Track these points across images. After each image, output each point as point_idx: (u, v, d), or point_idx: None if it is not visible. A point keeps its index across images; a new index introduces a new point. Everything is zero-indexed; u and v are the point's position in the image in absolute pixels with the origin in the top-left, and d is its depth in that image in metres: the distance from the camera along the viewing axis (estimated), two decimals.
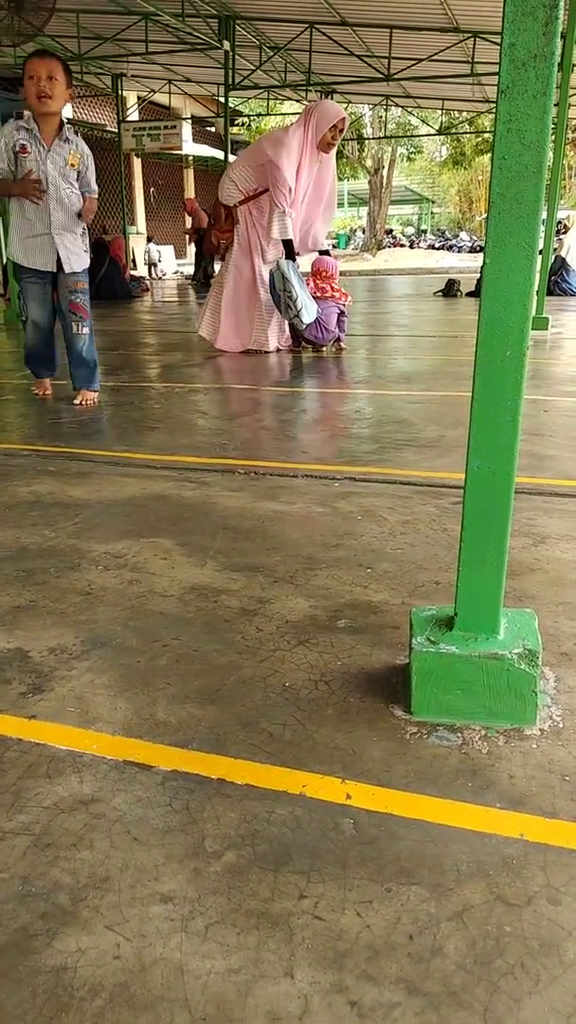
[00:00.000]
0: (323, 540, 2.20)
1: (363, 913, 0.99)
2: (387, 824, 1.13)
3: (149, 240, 17.65)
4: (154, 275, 17.21)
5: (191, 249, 16.70)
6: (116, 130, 15.51)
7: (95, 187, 4.07)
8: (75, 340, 4.11)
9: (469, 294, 11.50)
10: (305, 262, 5.94)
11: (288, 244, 5.60)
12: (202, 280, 14.53)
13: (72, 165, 3.92)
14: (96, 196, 4.06)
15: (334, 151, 5.65)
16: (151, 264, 17.43)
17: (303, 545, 2.17)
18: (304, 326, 5.68)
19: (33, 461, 3.07)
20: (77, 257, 4.03)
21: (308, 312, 5.61)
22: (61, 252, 3.94)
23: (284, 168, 5.39)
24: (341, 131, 5.55)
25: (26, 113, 3.90)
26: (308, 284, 5.78)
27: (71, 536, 2.26)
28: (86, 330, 4.10)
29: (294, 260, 5.62)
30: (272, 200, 5.52)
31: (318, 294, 5.76)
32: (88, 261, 4.10)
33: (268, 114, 20.62)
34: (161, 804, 1.18)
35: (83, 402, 4.14)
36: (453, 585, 1.38)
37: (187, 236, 15.56)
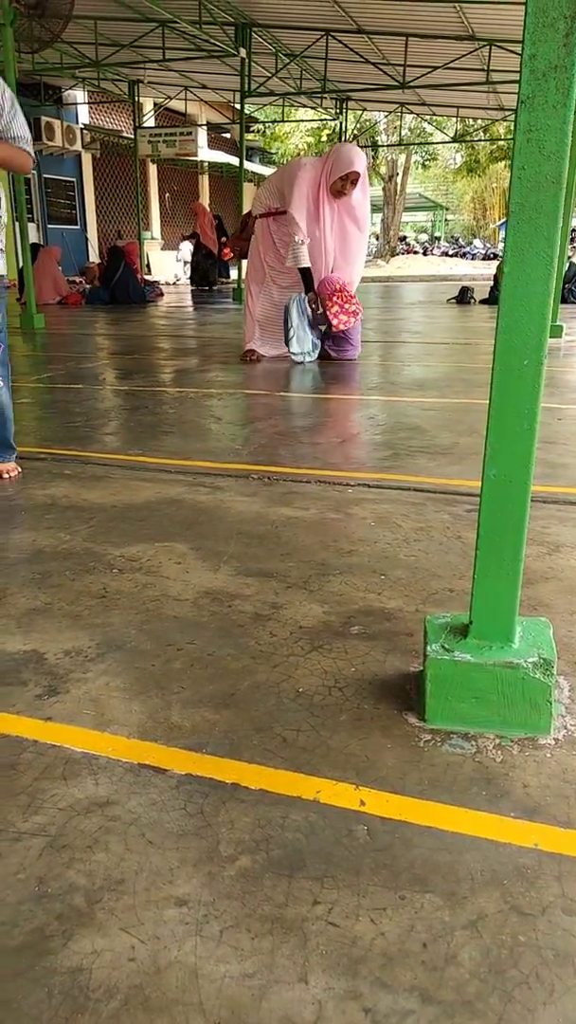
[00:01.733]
0: (337, 546, 2.20)
1: (377, 920, 0.99)
2: (401, 831, 1.14)
3: (184, 238, 17.54)
4: (176, 278, 17.21)
5: (184, 249, 16.81)
6: (132, 136, 15.61)
7: (23, 132, 2.62)
8: None
9: (482, 301, 11.49)
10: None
11: (306, 273, 5.58)
12: (201, 284, 14.60)
13: None
14: (29, 149, 2.67)
15: (349, 198, 5.48)
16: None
17: (316, 551, 2.17)
18: (297, 355, 5.77)
19: (49, 464, 3.09)
20: None
21: (300, 343, 5.71)
22: None
23: (293, 203, 5.37)
24: (354, 182, 5.37)
25: None
26: (332, 308, 5.73)
27: (86, 539, 2.28)
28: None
29: (311, 291, 5.63)
30: (289, 230, 5.53)
31: (351, 321, 5.73)
32: (2, 266, 2.77)
33: (283, 120, 20.70)
34: (176, 808, 1.19)
35: (8, 475, 2.90)
36: (468, 593, 1.38)
37: (181, 236, 15.65)
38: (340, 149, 5.55)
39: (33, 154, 2.62)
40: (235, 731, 1.37)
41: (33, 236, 14.64)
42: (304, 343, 5.73)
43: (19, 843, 1.12)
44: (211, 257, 14.62)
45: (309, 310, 5.71)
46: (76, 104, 16.16)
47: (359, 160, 5.40)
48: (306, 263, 5.54)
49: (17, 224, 8.10)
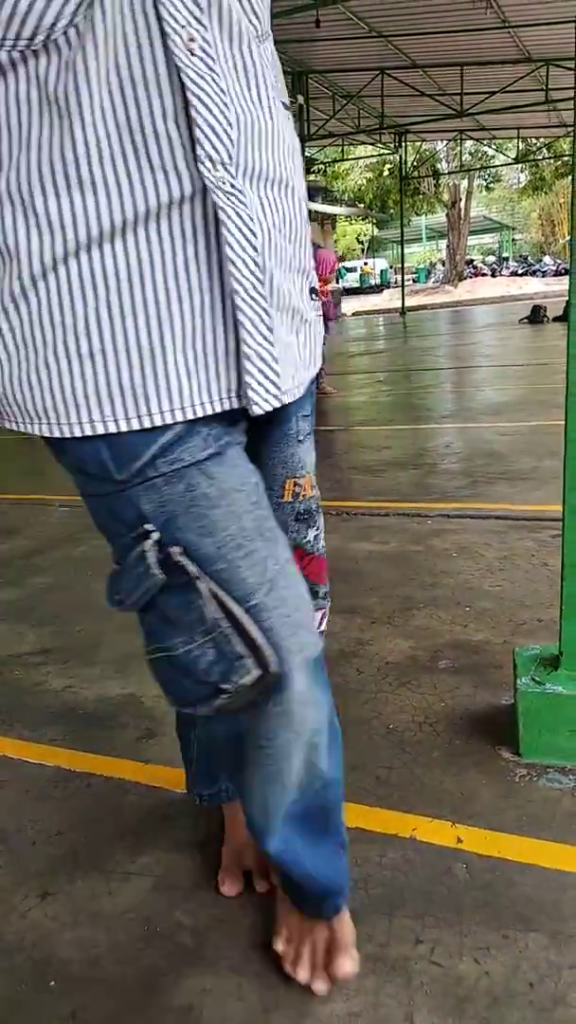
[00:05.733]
0: (419, 579, 2.21)
1: (481, 959, 0.98)
2: (501, 869, 1.13)
3: None
4: None
5: None
6: None
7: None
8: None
9: (556, 319, 11.29)
10: None
11: None
12: None
13: None
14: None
15: None
16: None
17: (399, 585, 2.18)
18: None
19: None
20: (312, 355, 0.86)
21: None
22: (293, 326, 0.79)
23: None
24: None
25: None
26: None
27: None
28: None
29: None
30: None
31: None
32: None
33: (343, 159, 21.07)
34: None
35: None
36: (556, 622, 1.37)
37: None
38: None
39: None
40: None
41: None
42: None
43: (128, 884, 1.17)
44: None
45: None
46: None
47: None
48: None
49: None
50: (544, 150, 20.40)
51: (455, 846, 1.18)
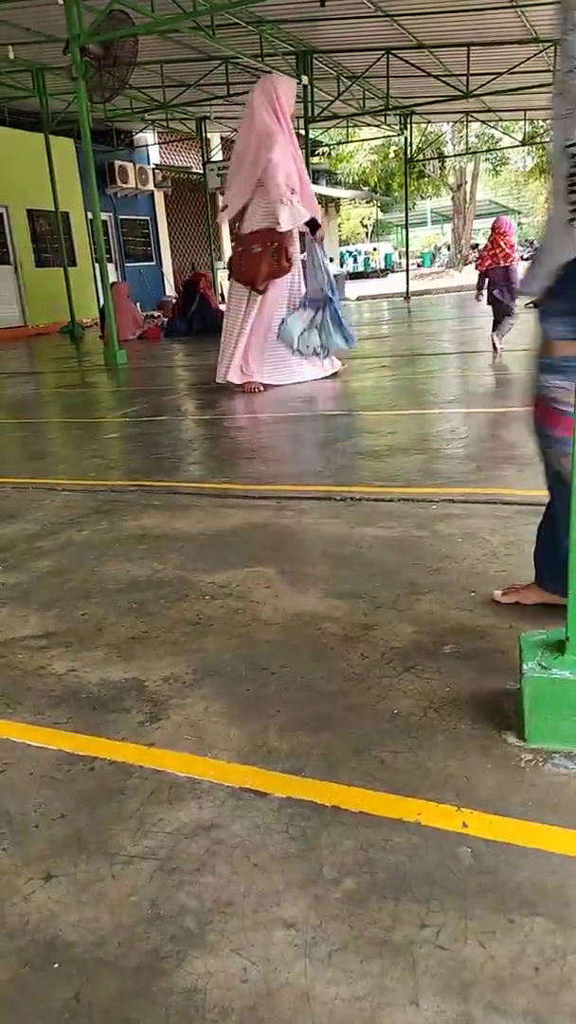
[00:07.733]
0: (424, 564, 2.20)
1: (486, 943, 0.98)
2: (506, 853, 1.12)
3: None
4: None
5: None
6: (201, 171, 16.06)
7: None
8: None
9: None
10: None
11: (312, 224, 5.50)
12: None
13: None
14: None
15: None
16: None
17: (404, 570, 2.17)
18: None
19: (138, 496, 3.20)
20: None
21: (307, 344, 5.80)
22: None
23: (277, 157, 5.28)
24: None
25: None
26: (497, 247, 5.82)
27: (178, 567, 2.34)
28: None
29: (315, 235, 5.57)
30: (270, 194, 5.35)
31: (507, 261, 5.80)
32: None
33: (347, 141, 20.87)
34: (278, 831, 1.21)
35: None
36: (562, 608, 1.36)
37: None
38: (276, 83, 5.60)
39: None
40: (332, 753, 1.38)
41: (112, 275, 15.21)
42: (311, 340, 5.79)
43: (131, 866, 1.17)
44: None
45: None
46: (147, 146, 16.74)
47: (289, 79, 5.83)
48: (303, 216, 5.44)
49: (97, 265, 8.44)
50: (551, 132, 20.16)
51: (460, 830, 1.17)
